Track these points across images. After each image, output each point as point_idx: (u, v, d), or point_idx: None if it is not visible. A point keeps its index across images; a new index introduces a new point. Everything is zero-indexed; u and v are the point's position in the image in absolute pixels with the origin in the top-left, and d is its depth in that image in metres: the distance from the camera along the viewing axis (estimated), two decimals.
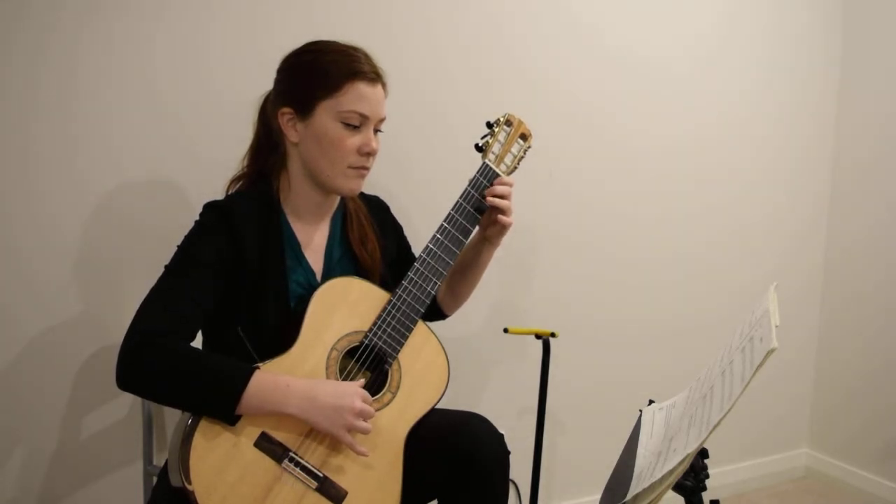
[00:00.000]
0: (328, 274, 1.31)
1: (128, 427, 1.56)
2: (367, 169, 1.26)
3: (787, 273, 2.52)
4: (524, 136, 1.38)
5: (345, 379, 1.20)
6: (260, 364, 1.13)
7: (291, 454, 1.11)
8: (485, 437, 1.21)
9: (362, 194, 1.39)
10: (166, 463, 1.16)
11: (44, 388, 1.48)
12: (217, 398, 1.07)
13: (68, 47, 1.44)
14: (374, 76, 1.23)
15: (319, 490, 1.12)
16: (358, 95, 1.20)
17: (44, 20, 1.41)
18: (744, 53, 2.33)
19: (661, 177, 2.23)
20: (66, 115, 1.45)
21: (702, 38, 2.25)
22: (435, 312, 1.50)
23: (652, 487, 0.87)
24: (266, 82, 1.30)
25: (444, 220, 1.28)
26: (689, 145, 2.26)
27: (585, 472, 2.15)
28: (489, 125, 1.37)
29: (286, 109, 1.23)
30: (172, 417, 1.57)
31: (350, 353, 1.21)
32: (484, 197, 1.31)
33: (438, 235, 1.28)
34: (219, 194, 1.30)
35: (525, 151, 1.38)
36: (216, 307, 1.18)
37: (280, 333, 1.20)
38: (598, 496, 1.05)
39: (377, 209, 1.44)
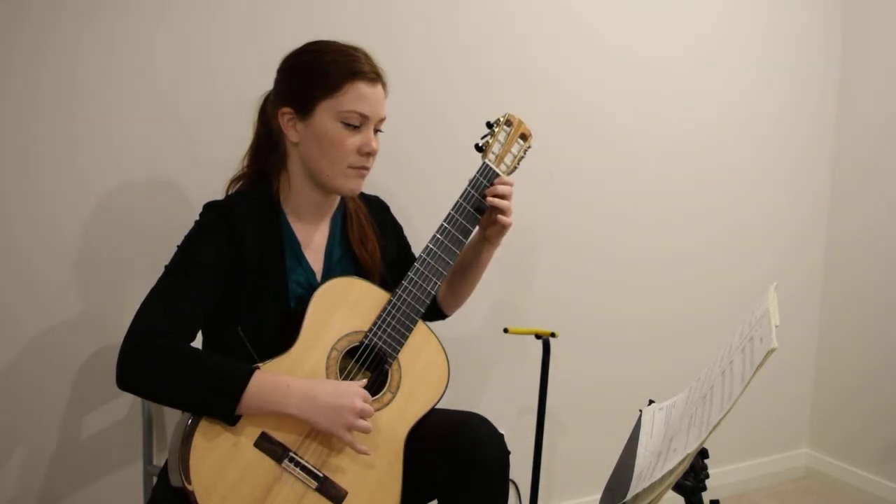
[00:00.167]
0: (328, 274, 1.31)
1: (128, 427, 1.56)
2: (367, 169, 1.26)
3: (787, 273, 2.52)
4: (524, 136, 1.38)
5: (345, 379, 1.20)
6: (260, 364, 1.13)
7: (291, 454, 1.11)
8: (485, 437, 1.21)
9: (362, 194, 1.39)
10: (166, 463, 1.16)
11: (44, 388, 1.48)
12: (217, 398, 1.07)
13: (68, 47, 1.44)
14: (374, 76, 1.23)
15: (319, 490, 1.12)
16: (358, 95, 1.20)
17: (44, 20, 1.41)
18: (744, 53, 2.33)
19: (661, 177, 2.23)
20: (66, 115, 1.45)
21: (702, 38, 2.25)
22: (435, 312, 1.50)
23: (652, 487, 0.87)
24: (266, 82, 1.30)
25: (444, 220, 1.28)
26: (689, 145, 2.26)
27: (585, 472, 2.15)
28: (489, 125, 1.37)
29: (286, 109, 1.23)
30: (172, 417, 1.57)
31: (350, 353, 1.21)
32: (484, 197, 1.31)
33: (438, 235, 1.28)
34: (219, 194, 1.30)
35: (525, 151, 1.38)
36: (216, 307, 1.18)
37: (280, 333, 1.20)
38: (598, 496, 1.05)
39: (377, 209, 1.44)
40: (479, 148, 1.35)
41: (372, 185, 1.41)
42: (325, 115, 1.21)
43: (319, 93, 1.20)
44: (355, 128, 1.22)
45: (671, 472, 0.85)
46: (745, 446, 2.50)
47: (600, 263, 2.15)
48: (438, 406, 1.26)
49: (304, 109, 1.22)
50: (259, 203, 1.26)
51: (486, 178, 1.32)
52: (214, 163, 1.41)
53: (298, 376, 1.14)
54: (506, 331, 1.76)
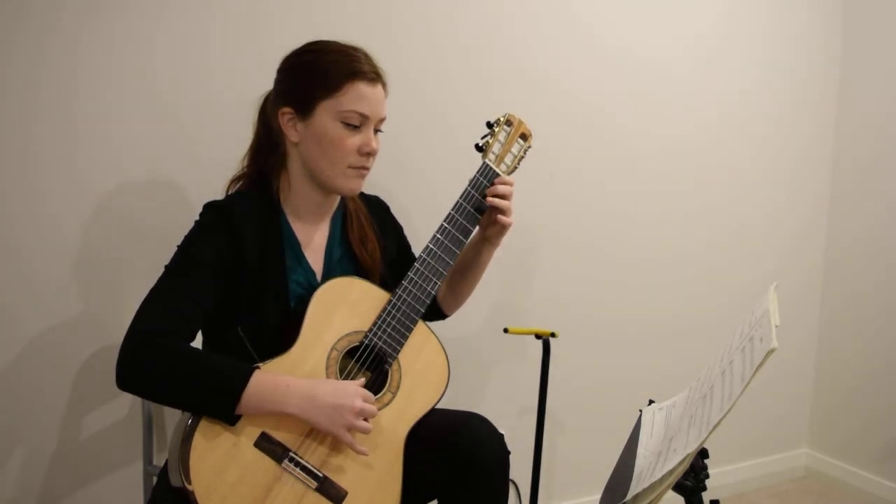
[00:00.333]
0: (328, 274, 1.31)
1: (128, 427, 1.56)
2: (367, 169, 1.26)
3: (787, 273, 2.52)
4: (524, 136, 1.38)
5: (345, 379, 1.19)
6: (260, 364, 1.13)
7: (291, 454, 1.11)
8: (485, 437, 1.21)
9: (362, 194, 1.39)
10: (166, 463, 1.16)
11: (44, 388, 1.48)
12: (217, 398, 1.07)
13: (68, 47, 1.44)
14: (375, 76, 1.23)
15: (319, 490, 1.12)
16: (358, 95, 1.20)
17: (44, 20, 1.41)
18: (744, 53, 2.33)
19: (661, 177, 2.23)
20: (66, 115, 1.45)
21: (702, 38, 2.25)
22: (435, 312, 1.50)
23: (652, 487, 0.87)
24: (266, 82, 1.30)
25: (445, 220, 1.28)
26: (689, 145, 2.26)
27: (585, 472, 2.15)
28: (489, 125, 1.37)
29: (286, 109, 1.23)
30: (172, 417, 1.57)
31: (350, 353, 1.21)
32: (484, 197, 1.31)
33: (438, 235, 1.28)
34: (219, 194, 1.30)
35: (525, 151, 1.38)
36: (216, 307, 1.18)
37: (280, 333, 1.20)
38: (598, 496, 1.05)
39: (377, 209, 1.44)
40: (479, 148, 1.35)
41: (372, 185, 1.41)
42: (326, 115, 1.21)
43: (319, 93, 1.20)
44: (355, 128, 1.22)
45: (671, 472, 0.85)
46: (745, 446, 2.50)
47: (600, 263, 2.15)
48: (438, 406, 1.26)
49: (305, 109, 1.22)
50: (259, 203, 1.26)
51: (486, 178, 1.32)
52: (214, 163, 1.41)
53: (298, 376, 1.14)
54: (506, 331, 1.75)
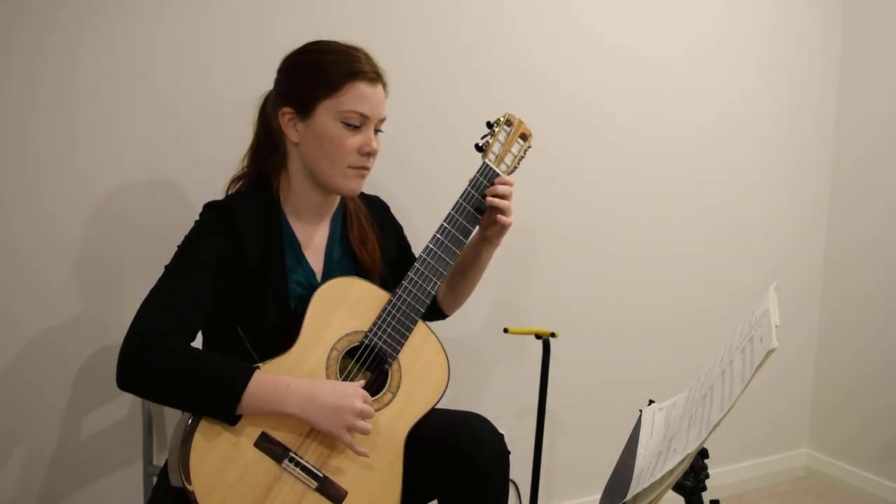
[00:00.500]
0: (328, 274, 1.31)
1: (128, 427, 1.56)
2: (367, 169, 1.26)
3: (787, 273, 2.52)
4: (524, 136, 1.38)
5: (345, 379, 1.20)
6: (260, 364, 1.13)
7: (291, 454, 1.11)
8: (485, 437, 1.21)
9: (362, 194, 1.39)
10: (166, 463, 1.16)
11: (44, 388, 1.48)
12: (217, 398, 1.07)
13: (68, 47, 1.44)
14: (375, 76, 1.23)
15: (319, 490, 1.12)
16: (358, 95, 1.20)
17: (44, 20, 1.41)
18: (744, 53, 2.33)
19: (661, 177, 2.23)
20: (66, 115, 1.45)
21: (702, 38, 2.25)
22: (435, 312, 1.50)
23: (652, 487, 0.87)
24: (266, 82, 1.30)
25: (445, 220, 1.28)
26: (689, 145, 2.26)
27: (585, 472, 2.15)
28: (489, 125, 1.37)
29: (286, 109, 1.23)
30: (172, 417, 1.57)
31: (350, 353, 1.21)
32: (484, 197, 1.31)
33: (438, 235, 1.28)
34: (219, 194, 1.30)
35: (525, 151, 1.38)
36: (216, 307, 1.18)
37: (280, 333, 1.20)
38: (598, 496, 1.05)
39: (377, 209, 1.44)
40: (479, 148, 1.35)
41: (372, 185, 1.41)
42: (326, 115, 1.21)
43: (320, 93, 1.20)
44: (355, 128, 1.22)
45: (671, 472, 0.85)
46: (745, 446, 2.50)
47: (600, 263, 2.15)
48: (438, 406, 1.26)
49: (305, 109, 1.22)
50: (259, 203, 1.26)
51: (486, 178, 1.32)
52: (214, 163, 1.41)
53: (298, 376, 1.14)
54: (506, 331, 1.76)
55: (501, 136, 1.35)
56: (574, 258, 2.10)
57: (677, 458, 0.86)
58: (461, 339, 1.90)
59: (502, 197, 1.31)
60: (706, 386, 0.97)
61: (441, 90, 1.85)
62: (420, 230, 1.52)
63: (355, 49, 1.24)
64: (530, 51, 1.96)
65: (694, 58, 2.23)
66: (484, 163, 1.33)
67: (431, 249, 1.27)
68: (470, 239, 1.33)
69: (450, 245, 1.28)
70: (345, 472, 1.14)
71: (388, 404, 1.21)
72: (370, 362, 1.22)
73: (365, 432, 1.13)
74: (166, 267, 1.18)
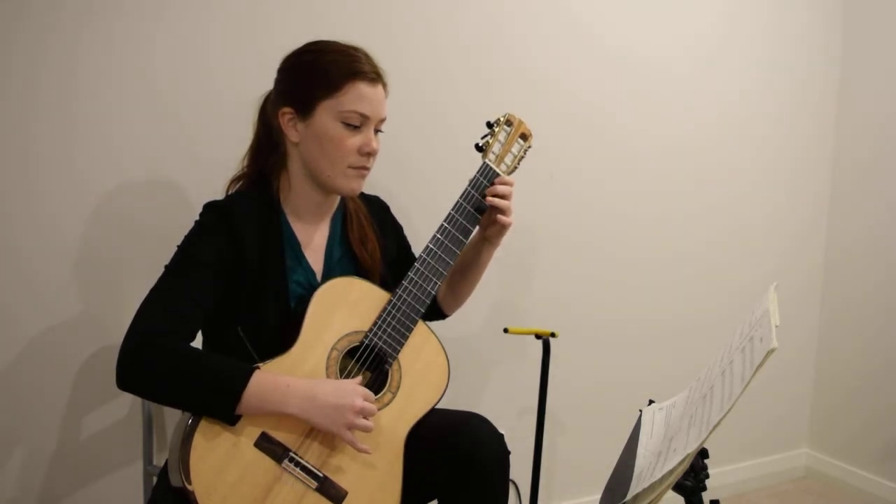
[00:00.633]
0: (328, 274, 1.31)
1: (128, 427, 1.56)
2: (367, 169, 1.26)
3: (787, 273, 2.52)
4: (524, 136, 1.38)
5: (345, 379, 1.19)
6: (260, 364, 1.13)
7: (291, 454, 1.11)
8: (485, 437, 1.21)
9: (362, 194, 1.39)
10: (166, 463, 1.16)
11: (44, 388, 1.48)
12: (217, 398, 1.07)
13: (68, 47, 1.44)
14: (375, 76, 1.23)
15: (319, 490, 1.12)
16: (358, 95, 1.20)
17: (44, 20, 1.41)
18: (744, 53, 2.33)
19: (661, 177, 2.23)
20: (66, 115, 1.45)
21: (702, 38, 2.25)
22: (435, 312, 1.50)
23: (652, 487, 0.87)
24: (266, 82, 1.30)
25: (445, 220, 1.28)
26: (689, 145, 2.26)
27: (585, 472, 2.15)
28: (489, 125, 1.37)
29: (286, 109, 1.23)
30: (172, 417, 1.57)
31: (350, 353, 1.21)
32: (484, 197, 1.31)
33: (438, 235, 1.28)
34: (219, 194, 1.30)
35: (525, 151, 1.38)
36: (216, 307, 1.18)
37: (280, 333, 1.20)
38: (598, 496, 1.05)
39: (377, 209, 1.44)
40: (479, 148, 1.35)
41: (372, 185, 1.41)
42: (326, 115, 1.21)
43: (320, 93, 1.20)
44: (356, 128, 1.22)
45: (671, 472, 0.85)
46: (745, 446, 2.50)
47: (600, 263, 2.15)
48: (438, 406, 1.26)
49: (305, 109, 1.22)
50: (259, 203, 1.26)
51: (486, 178, 1.32)
52: (214, 163, 1.41)
53: (298, 376, 1.14)
54: (506, 331, 1.75)
55: (501, 136, 1.35)
56: (574, 258, 2.10)
57: (677, 458, 0.86)
58: (461, 339, 1.90)
59: (502, 197, 1.31)
60: (706, 386, 0.97)
61: (441, 90, 1.85)
62: (420, 230, 1.52)
63: (355, 49, 1.24)
64: (530, 51, 1.96)
65: (694, 58, 2.23)
66: (484, 163, 1.33)
67: (431, 249, 1.27)
68: (470, 239, 1.33)
69: (450, 245, 1.28)
70: (345, 472, 1.14)
71: (388, 404, 1.21)
72: (370, 362, 1.22)
73: (366, 430, 1.13)
74: (166, 267, 1.18)
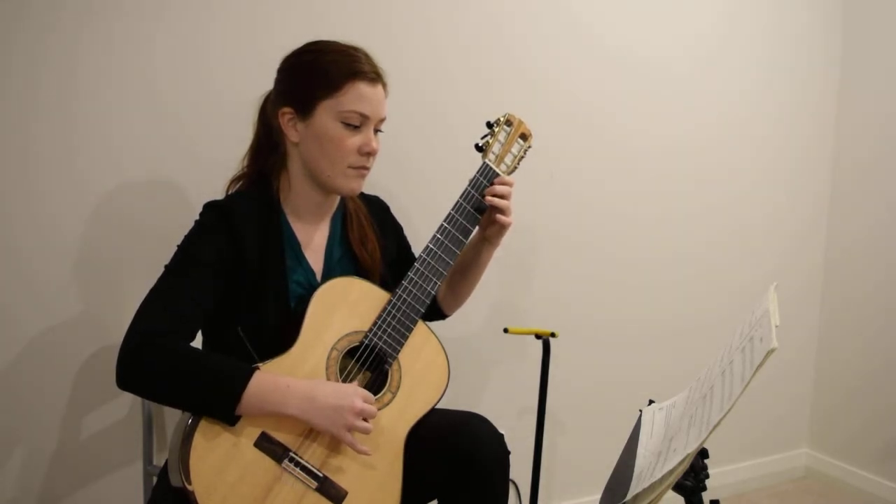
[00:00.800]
0: (328, 274, 1.31)
1: (128, 427, 1.56)
2: (367, 169, 1.26)
3: (787, 273, 2.52)
4: (524, 136, 1.38)
5: (345, 379, 1.20)
6: (260, 364, 1.13)
7: (291, 454, 1.11)
8: (485, 437, 1.21)
9: (362, 194, 1.39)
10: (166, 463, 1.16)
11: (44, 388, 1.48)
12: (217, 398, 1.07)
13: (68, 47, 1.44)
14: (375, 76, 1.23)
15: (319, 490, 1.12)
16: (358, 95, 1.20)
17: (44, 20, 1.41)
18: (744, 53, 2.33)
19: (661, 177, 2.23)
20: (66, 115, 1.45)
21: (702, 38, 2.25)
22: (435, 312, 1.50)
23: (652, 487, 0.87)
24: (266, 82, 1.30)
25: (445, 220, 1.28)
26: (689, 145, 2.26)
27: (585, 472, 2.15)
28: (489, 125, 1.37)
29: (286, 109, 1.23)
30: (172, 417, 1.57)
31: (350, 353, 1.21)
32: (484, 197, 1.31)
33: (438, 235, 1.28)
34: (219, 194, 1.30)
35: (525, 151, 1.38)
36: (216, 307, 1.18)
37: (280, 333, 1.20)
38: (598, 496, 1.05)
39: (377, 209, 1.44)
40: (479, 148, 1.35)
41: (372, 185, 1.41)
42: (326, 115, 1.21)
43: (320, 93, 1.20)
44: (355, 128, 1.22)
45: (671, 472, 0.85)
46: (745, 446, 2.50)
47: (600, 263, 2.15)
48: (438, 406, 1.26)
49: (305, 109, 1.22)
50: (259, 203, 1.26)
51: (486, 178, 1.32)
52: (214, 163, 1.41)
53: (298, 376, 1.14)
54: (506, 331, 1.76)
55: (501, 136, 1.35)
56: (574, 258, 2.10)
57: (677, 458, 0.86)
58: (461, 339, 1.90)
59: (502, 197, 1.31)
60: (706, 386, 0.97)
61: (441, 90, 1.85)
62: (420, 230, 1.52)
63: (355, 49, 1.24)
64: (530, 51, 1.96)
65: (694, 58, 2.23)
66: (484, 163, 1.33)
67: (431, 249, 1.27)
68: (470, 239, 1.33)
69: (450, 245, 1.28)
70: (345, 472, 1.14)
71: (388, 404, 1.21)
72: (370, 362, 1.22)
73: (366, 432, 1.13)
74: (166, 267, 1.18)
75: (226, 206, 1.22)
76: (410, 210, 1.65)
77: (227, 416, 1.07)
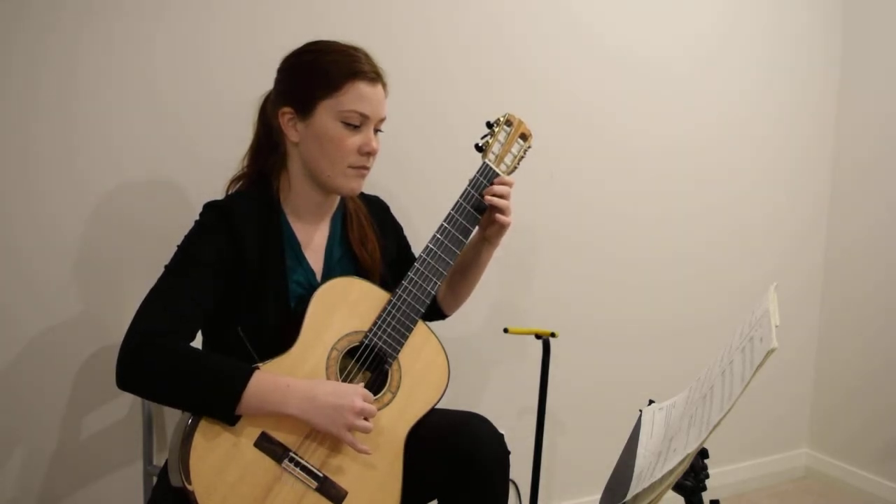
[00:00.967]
0: (328, 274, 1.31)
1: (128, 427, 1.56)
2: (367, 169, 1.26)
3: (787, 273, 2.52)
4: (524, 136, 1.38)
5: (345, 379, 1.20)
6: (260, 364, 1.13)
7: (291, 454, 1.11)
8: (485, 437, 1.21)
9: (362, 194, 1.39)
10: (166, 463, 1.16)
11: (44, 388, 1.48)
12: (217, 398, 1.07)
13: (68, 47, 1.44)
14: (375, 76, 1.23)
15: (319, 490, 1.12)
16: (358, 95, 1.20)
17: (44, 20, 1.41)
18: (744, 53, 2.33)
19: (661, 177, 2.23)
20: (66, 115, 1.45)
21: (702, 38, 2.25)
22: (435, 312, 1.50)
23: (652, 487, 0.87)
24: (266, 82, 1.30)
25: (444, 220, 1.28)
26: (689, 145, 2.26)
27: (585, 472, 2.15)
28: (489, 125, 1.37)
29: (286, 109, 1.23)
30: (172, 417, 1.57)
31: (350, 353, 1.21)
32: (484, 196, 1.31)
33: (438, 235, 1.28)
34: (219, 194, 1.30)
35: (525, 151, 1.38)
36: (216, 307, 1.18)
37: (280, 333, 1.20)
38: (598, 496, 1.05)
39: (377, 209, 1.44)
40: (479, 148, 1.35)
41: (372, 185, 1.41)
42: (326, 115, 1.21)
43: (320, 92, 1.20)
44: (355, 127, 1.22)
45: (671, 472, 0.85)
46: (745, 446, 2.50)
47: (600, 263, 2.15)
48: (438, 406, 1.26)
49: (305, 109, 1.22)
50: (259, 203, 1.26)
51: (486, 178, 1.32)
52: (214, 163, 1.41)
53: (298, 376, 1.14)
54: (506, 331, 1.76)
55: (501, 136, 1.35)
56: (574, 258, 2.10)
57: (677, 458, 0.86)
58: (461, 339, 1.90)
59: (502, 196, 1.31)
60: (706, 386, 0.97)
61: (441, 90, 1.85)
62: (420, 230, 1.52)
63: (355, 49, 1.24)
64: (530, 51, 1.96)
65: (694, 58, 2.23)
66: (484, 163, 1.33)
67: (431, 249, 1.27)
68: (470, 239, 1.33)
69: (450, 245, 1.28)
70: (345, 472, 1.14)
71: (388, 404, 1.21)
72: (370, 362, 1.22)
73: (366, 431, 1.13)
74: (166, 267, 1.18)
75: (226, 206, 1.22)
76: (410, 210, 1.65)
77: (227, 415, 1.07)
